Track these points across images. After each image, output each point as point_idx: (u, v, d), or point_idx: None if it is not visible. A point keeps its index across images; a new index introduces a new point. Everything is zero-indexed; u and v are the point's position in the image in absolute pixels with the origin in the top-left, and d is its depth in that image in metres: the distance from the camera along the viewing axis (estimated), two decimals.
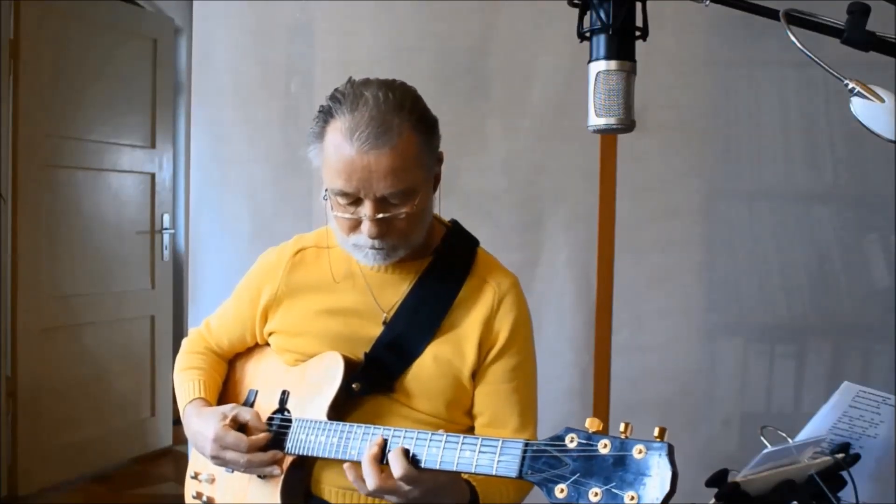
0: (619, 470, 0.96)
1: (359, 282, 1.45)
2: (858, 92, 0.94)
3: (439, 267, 1.44)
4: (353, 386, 1.36)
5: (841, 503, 1.15)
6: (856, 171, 2.47)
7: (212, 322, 1.62)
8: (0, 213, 3.32)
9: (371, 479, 1.18)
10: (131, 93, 3.90)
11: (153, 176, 4.03)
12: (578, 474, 0.99)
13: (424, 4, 2.50)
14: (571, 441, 1.01)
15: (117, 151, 3.84)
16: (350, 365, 1.38)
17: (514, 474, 1.06)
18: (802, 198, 2.50)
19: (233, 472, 1.47)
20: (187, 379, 1.51)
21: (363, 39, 2.50)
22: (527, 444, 1.06)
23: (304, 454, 1.34)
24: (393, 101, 1.30)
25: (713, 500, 1.09)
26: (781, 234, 2.49)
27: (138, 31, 3.93)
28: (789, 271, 2.48)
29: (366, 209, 1.30)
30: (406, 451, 1.17)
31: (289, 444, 1.36)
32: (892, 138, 0.93)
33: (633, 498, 0.94)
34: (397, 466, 1.16)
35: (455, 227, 1.51)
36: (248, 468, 1.35)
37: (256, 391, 1.52)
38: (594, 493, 0.97)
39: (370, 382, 1.38)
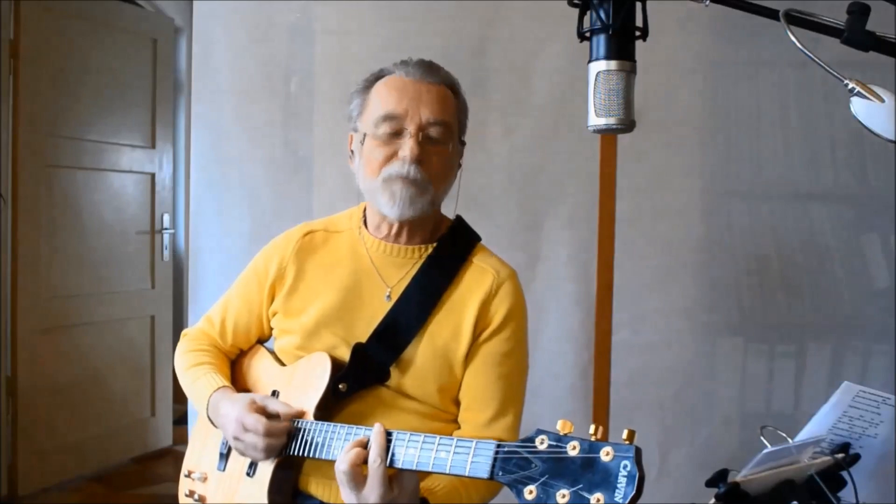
0: (587, 472, 0.97)
1: (364, 260, 1.49)
2: (858, 92, 0.94)
3: (443, 252, 1.48)
4: (340, 387, 1.39)
5: (841, 503, 1.15)
6: (856, 171, 2.47)
7: (213, 316, 1.61)
8: (0, 213, 3.32)
9: (344, 458, 1.20)
10: (131, 93, 3.90)
11: (153, 176, 4.03)
12: (547, 476, 1.00)
13: (424, 4, 2.50)
14: (542, 443, 1.03)
15: (117, 151, 3.84)
16: (337, 366, 1.39)
17: (485, 475, 1.07)
18: (802, 198, 2.50)
19: (224, 469, 1.48)
20: (205, 372, 1.51)
21: (363, 39, 2.50)
22: (499, 446, 1.07)
23: (291, 454, 1.35)
24: (440, 66, 1.49)
25: (713, 500, 1.09)
26: (781, 234, 2.49)
27: (138, 31, 3.93)
28: (789, 271, 2.48)
29: (410, 130, 1.40)
30: (387, 433, 1.20)
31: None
32: (892, 138, 0.93)
33: (598, 500, 0.95)
34: (373, 448, 1.19)
35: (459, 221, 1.56)
36: (266, 452, 1.34)
37: (248, 390, 1.53)
38: (562, 494, 0.98)
39: (357, 381, 1.40)
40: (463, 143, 1.52)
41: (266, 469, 1.38)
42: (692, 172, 2.49)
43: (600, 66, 1.01)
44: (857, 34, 0.94)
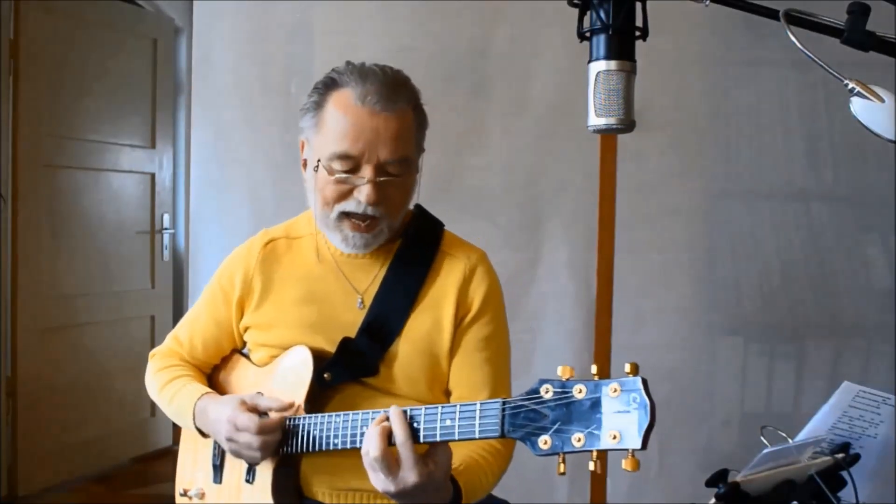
0: (597, 412, 0.97)
1: (331, 268, 1.45)
2: (858, 92, 0.94)
3: (409, 248, 1.45)
4: (325, 376, 1.36)
5: (841, 503, 1.15)
6: (856, 171, 2.47)
7: (180, 334, 1.58)
8: (0, 213, 3.32)
9: (376, 445, 1.15)
10: (131, 93, 3.90)
11: (153, 176, 4.03)
12: (559, 423, 1.00)
13: (424, 4, 2.50)
14: (547, 392, 1.02)
15: (117, 151, 3.84)
16: (318, 356, 1.37)
17: (496, 433, 1.06)
18: (802, 198, 2.50)
19: (221, 482, 1.45)
20: (183, 385, 1.48)
21: (363, 39, 2.50)
22: (504, 402, 1.07)
23: (290, 452, 1.32)
24: (399, 76, 1.39)
25: (713, 500, 1.09)
26: (781, 234, 2.49)
27: (138, 31, 3.93)
28: (789, 271, 2.48)
29: (366, 173, 1.33)
30: (405, 413, 1.16)
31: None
32: (892, 138, 0.93)
33: (615, 437, 0.95)
34: (400, 430, 1.14)
35: (419, 210, 1.51)
36: (263, 451, 1.31)
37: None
38: (577, 438, 0.98)
39: (343, 370, 1.37)
40: (422, 150, 1.45)
41: (265, 472, 1.36)
42: (692, 172, 2.50)
43: (600, 66, 1.01)
44: (857, 34, 0.94)
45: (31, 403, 3.41)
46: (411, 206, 1.48)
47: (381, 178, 1.34)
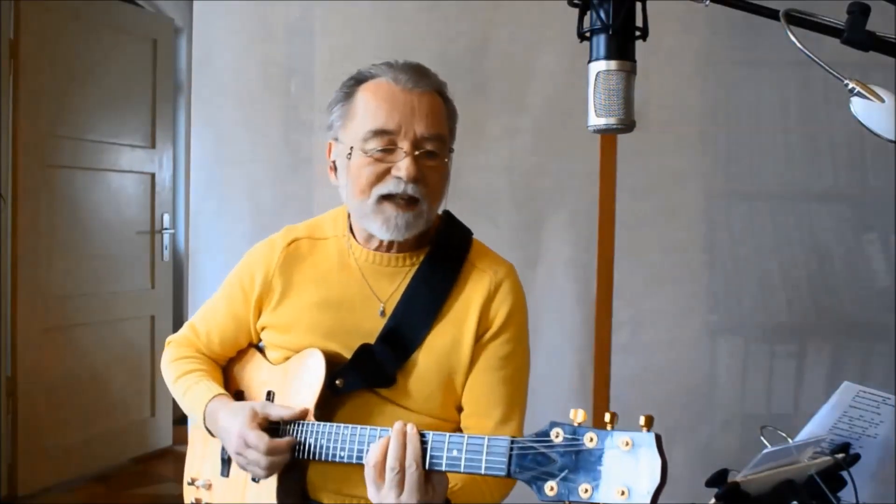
0: (607, 464, 0.94)
1: (354, 274, 1.41)
2: (858, 92, 0.94)
3: (436, 257, 1.41)
4: (337, 382, 1.33)
5: (841, 503, 1.15)
6: (856, 171, 2.48)
7: (198, 325, 1.55)
8: (0, 213, 3.32)
9: (395, 454, 1.12)
10: (131, 93, 3.90)
11: (153, 176, 4.03)
12: (567, 470, 0.97)
13: (424, 4, 2.50)
14: (557, 436, 0.99)
15: (117, 151, 3.84)
16: (331, 361, 1.34)
17: (502, 473, 1.04)
18: (802, 198, 2.50)
19: (228, 475, 1.45)
20: (197, 380, 1.46)
21: (363, 39, 2.50)
22: (513, 442, 1.04)
23: (298, 458, 1.30)
24: (429, 70, 1.40)
25: (713, 500, 1.09)
26: (781, 234, 2.49)
27: (138, 31, 3.93)
28: (789, 271, 2.48)
29: (404, 146, 1.31)
30: (423, 435, 1.13)
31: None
32: (892, 138, 0.93)
33: (623, 493, 0.92)
34: (412, 450, 1.12)
35: (448, 217, 1.47)
36: (269, 470, 1.29)
37: (242, 392, 1.50)
38: (584, 489, 0.95)
39: (357, 378, 1.34)
40: (451, 150, 1.42)
41: None
42: (692, 172, 2.50)
43: (600, 66, 1.01)
44: (857, 34, 0.93)
45: (31, 403, 3.41)
46: (440, 211, 1.44)
47: (419, 152, 1.31)
